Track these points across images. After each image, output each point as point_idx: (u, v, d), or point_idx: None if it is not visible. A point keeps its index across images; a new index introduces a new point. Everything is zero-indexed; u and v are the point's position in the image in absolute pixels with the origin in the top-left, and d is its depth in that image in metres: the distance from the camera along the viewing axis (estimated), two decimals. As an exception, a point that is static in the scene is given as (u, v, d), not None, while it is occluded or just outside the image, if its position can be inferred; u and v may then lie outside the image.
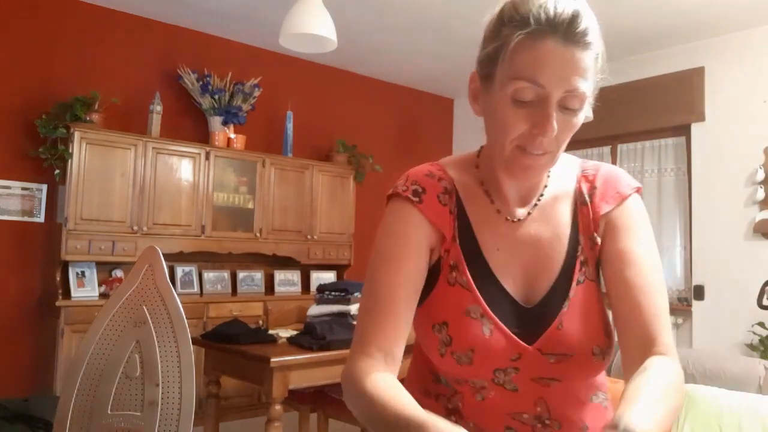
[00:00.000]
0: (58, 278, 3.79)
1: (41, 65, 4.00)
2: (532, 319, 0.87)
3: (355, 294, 3.27)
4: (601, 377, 0.96)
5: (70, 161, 3.75)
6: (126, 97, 4.25)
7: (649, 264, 0.87)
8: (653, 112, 4.69)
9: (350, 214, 5.18)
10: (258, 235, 4.60)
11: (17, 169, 3.88)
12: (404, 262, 0.88)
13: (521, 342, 0.86)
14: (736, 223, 4.24)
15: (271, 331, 3.06)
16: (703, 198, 4.41)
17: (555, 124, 0.79)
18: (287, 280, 4.92)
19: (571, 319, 0.86)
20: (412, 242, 0.89)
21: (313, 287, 4.38)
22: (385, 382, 0.81)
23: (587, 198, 0.92)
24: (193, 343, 1.81)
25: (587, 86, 0.79)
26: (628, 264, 0.86)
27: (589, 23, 0.79)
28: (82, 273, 3.95)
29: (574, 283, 0.88)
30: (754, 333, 3.82)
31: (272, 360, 2.55)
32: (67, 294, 3.83)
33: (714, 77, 4.45)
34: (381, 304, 0.87)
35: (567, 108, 0.80)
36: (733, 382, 2.10)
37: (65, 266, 3.87)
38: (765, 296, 3.72)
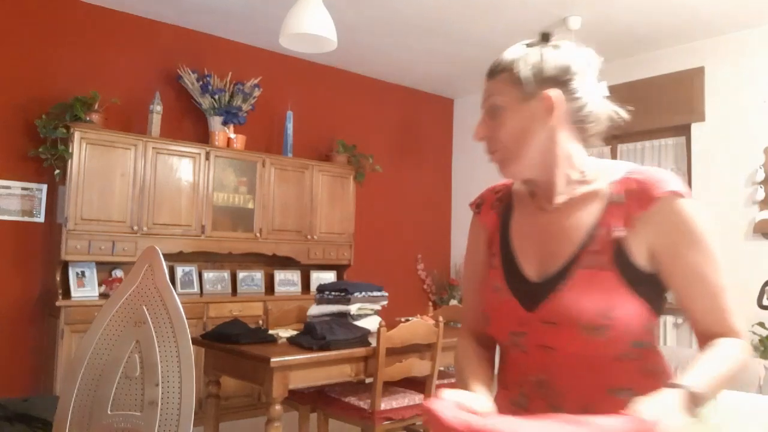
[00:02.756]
0: (58, 278, 3.79)
1: (41, 65, 4.00)
2: (537, 292, 1.03)
3: (355, 294, 3.27)
4: (644, 378, 1.00)
5: (70, 161, 3.75)
6: (126, 97, 4.25)
7: (705, 267, 1.01)
8: (653, 112, 4.68)
9: (350, 214, 5.17)
10: (258, 235, 4.60)
11: (17, 169, 3.88)
12: (472, 264, 1.22)
13: (522, 308, 1.04)
14: (736, 223, 4.24)
15: (271, 331, 3.07)
16: (703, 198, 4.41)
17: (476, 130, 1.07)
18: (287, 280, 4.92)
19: (565, 295, 1.00)
20: (476, 248, 1.20)
21: (313, 287, 4.38)
22: (464, 350, 1.18)
23: (623, 198, 1.01)
24: (193, 343, 1.81)
25: (498, 100, 1.04)
26: (684, 277, 1.00)
27: (504, 62, 1.05)
28: (82, 273, 3.95)
29: (575, 266, 1.01)
30: (754, 333, 3.82)
31: (272, 360, 2.55)
32: (67, 294, 3.83)
33: (714, 77, 4.45)
34: (464, 299, 1.28)
35: (491, 117, 1.05)
36: (732, 382, 2.09)
37: (65, 266, 3.87)
38: (765, 296, 3.72)
